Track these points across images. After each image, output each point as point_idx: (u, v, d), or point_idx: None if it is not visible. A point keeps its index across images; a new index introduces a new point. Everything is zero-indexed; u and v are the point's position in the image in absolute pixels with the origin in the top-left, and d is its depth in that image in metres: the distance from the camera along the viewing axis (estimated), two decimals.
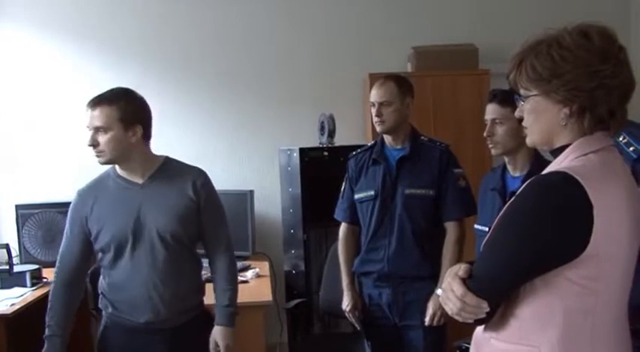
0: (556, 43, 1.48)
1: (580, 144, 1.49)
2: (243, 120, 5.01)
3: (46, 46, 4.87)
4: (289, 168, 4.41)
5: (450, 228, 3.11)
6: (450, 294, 1.49)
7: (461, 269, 1.49)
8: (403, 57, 4.86)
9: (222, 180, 4.82)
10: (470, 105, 4.62)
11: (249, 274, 4.04)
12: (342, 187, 3.36)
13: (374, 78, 4.54)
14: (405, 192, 3.09)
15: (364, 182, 3.21)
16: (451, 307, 1.49)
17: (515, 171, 2.75)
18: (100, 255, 2.66)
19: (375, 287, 3.16)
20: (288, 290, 4.48)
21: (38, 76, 4.86)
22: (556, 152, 1.53)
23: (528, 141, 1.59)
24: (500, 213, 1.50)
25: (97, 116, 2.54)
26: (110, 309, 2.66)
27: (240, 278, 3.94)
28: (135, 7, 4.91)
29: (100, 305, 2.73)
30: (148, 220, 2.57)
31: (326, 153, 4.28)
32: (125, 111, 2.55)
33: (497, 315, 1.50)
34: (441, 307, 2.96)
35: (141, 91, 4.79)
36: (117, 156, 2.57)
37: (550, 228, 1.39)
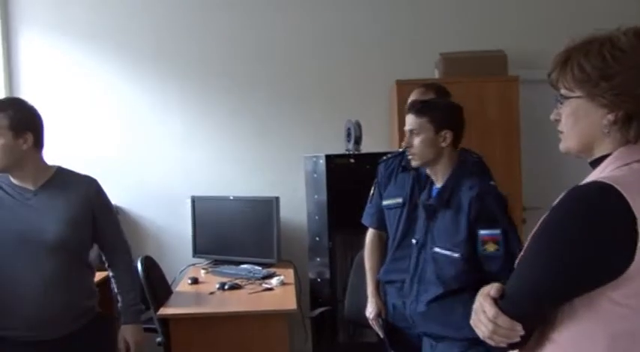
0: (609, 42, 1.36)
1: (622, 152, 1.36)
2: (269, 126, 5.00)
3: (67, 51, 4.92)
4: (315, 175, 4.39)
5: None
6: (481, 316, 1.39)
7: (493, 288, 1.39)
8: (431, 63, 4.82)
9: (248, 187, 4.86)
10: (498, 112, 4.56)
11: (273, 281, 4.02)
12: (371, 192, 3.31)
13: (401, 85, 4.53)
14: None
15: (393, 188, 3.16)
16: (483, 330, 1.38)
17: (438, 183, 2.69)
18: None
19: (399, 296, 3.10)
20: (313, 298, 4.45)
21: (58, 80, 4.92)
22: (595, 162, 1.40)
23: (562, 146, 1.47)
24: (535, 228, 1.39)
25: None
26: None
27: (264, 286, 3.97)
28: (156, 16, 4.95)
29: None
30: (38, 227, 2.54)
31: (352, 160, 4.25)
32: (13, 119, 2.51)
33: (533, 339, 1.39)
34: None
35: (163, 98, 4.87)
36: (8, 163, 2.55)
37: (589, 244, 1.26)
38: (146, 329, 3.22)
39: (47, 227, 2.55)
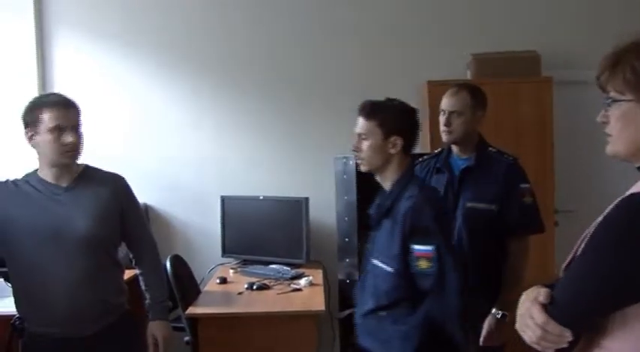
0: None
1: None
2: (299, 127, 5.00)
3: (101, 52, 4.97)
4: (345, 176, 4.37)
5: (512, 245, 2.98)
6: (529, 321, 1.36)
7: (541, 294, 1.37)
8: (462, 64, 4.77)
9: (278, 187, 4.86)
10: (532, 113, 4.49)
11: (302, 282, 4.01)
12: None
13: (432, 85, 4.48)
14: (466, 205, 2.97)
15: None
16: (530, 335, 1.36)
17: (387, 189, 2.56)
18: (8, 257, 2.63)
19: None
20: (342, 299, 4.42)
21: (93, 80, 4.97)
22: None
23: (610, 150, 1.43)
24: (589, 235, 1.37)
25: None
26: (28, 324, 2.62)
27: (293, 286, 3.96)
28: (188, 15, 4.97)
29: (16, 323, 2.68)
30: (68, 222, 2.56)
31: None
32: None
33: (581, 345, 1.38)
34: (497, 327, 2.87)
35: (196, 98, 4.89)
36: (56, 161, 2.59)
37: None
38: (174, 328, 3.23)
39: (77, 222, 2.57)
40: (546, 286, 1.40)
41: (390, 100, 2.57)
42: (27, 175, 2.67)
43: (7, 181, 2.66)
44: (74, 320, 2.57)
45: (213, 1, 4.98)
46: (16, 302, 2.68)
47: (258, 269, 4.47)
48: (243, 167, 4.99)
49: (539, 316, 1.34)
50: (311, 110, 4.98)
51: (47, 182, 2.62)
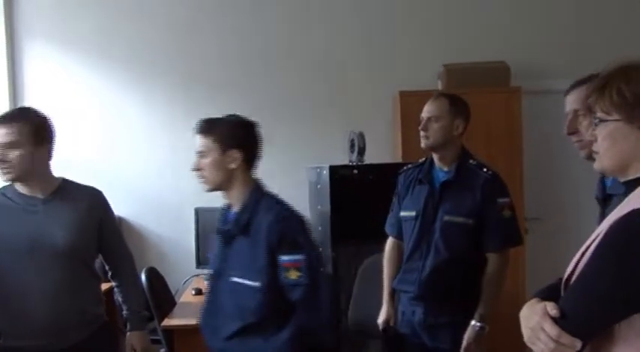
0: None
1: None
2: (272, 137, 4.98)
3: (74, 64, 4.97)
4: (319, 186, 4.39)
5: (491, 259, 2.97)
6: (540, 334, 1.42)
7: (549, 307, 1.43)
8: (434, 74, 4.84)
9: None
10: (501, 123, 4.58)
11: None
12: (392, 201, 3.29)
13: (404, 95, 4.54)
14: (444, 218, 2.98)
15: (409, 200, 3.14)
16: (542, 348, 1.42)
17: (235, 207, 2.49)
18: None
19: (410, 305, 3.09)
20: None
21: (65, 93, 4.96)
22: (631, 183, 1.48)
23: (597, 166, 1.54)
24: (594, 247, 1.43)
25: (8, 133, 2.52)
26: (4, 337, 2.58)
27: None
28: (160, 29, 4.99)
29: None
30: (47, 234, 2.56)
31: (356, 171, 4.25)
32: (37, 128, 2.57)
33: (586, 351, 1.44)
34: (476, 339, 2.91)
35: (168, 109, 4.88)
36: (27, 172, 2.57)
37: None
38: (150, 341, 3.23)
39: (56, 234, 2.57)
40: (544, 299, 1.46)
41: (228, 116, 2.56)
42: (4, 188, 2.66)
43: None
44: (53, 332, 2.56)
45: (185, 11, 5.00)
46: None
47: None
48: None
49: (552, 329, 1.40)
50: (285, 121, 5.00)
51: (23, 194, 2.62)
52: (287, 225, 2.36)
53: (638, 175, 1.47)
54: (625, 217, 1.39)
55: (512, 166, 4.56)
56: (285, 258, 2.31)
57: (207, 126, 2.49)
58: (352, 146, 4.42)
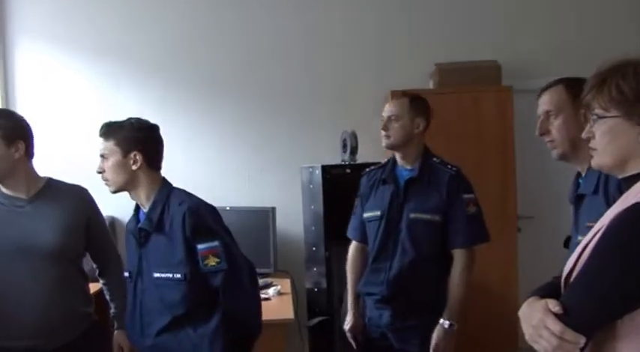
0: None
1: None
2: (264, 137, 5.02)
3: (66, 63, 4.95)
4: (311, 186, 4.40)
5: (457, 256, 2.98)
6: (543, 332, 1.41)
7: (551, 303, 1.43)
8: (425, 73, 4.85)
9: (244, 198, 4.87)
10: (493, 122, 4.59)
11: (270, 291, 4.03)
12: (355, 204, 3.30)
13: (395, 95, 4.55)
14: (410, 216, 2.99)
15: (373, 201, 3.15)
16: (545, 345, 1.41)
17: (144, 207, 2.54)
18: None
19: (376, 308, 3.09)
20: (310, 307, 4.45)
21: (57, 93, 4.94)
22: (630, 179, 1.48)
23: (595, 162, 1.54)
24: (594, 243, 1.43)
25: None
26: None
27: (262, 296, 3.95)
28: (154, 28, 4.98)
29: None
30: (35, 235, 2.57)
31: (348, 171, 4.27)
32: (6, 129, 2.57)
33: (589, 348, 1.43)
34: (445, 338, 2.91)
35: (162, 109, 4.87)
36: (2, 172, 2.59)
37: None
38: None
39: (43, 234, 2.57)
40: (543, 297, 1.46)
41: (128, 119, 2.60)
42: None
43: None
44: (44, 332, 2.56)
45: (177, 9, 4.99)
46: None
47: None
48: (210, 178, 4.99)
49: (555, 326, 1.39)
50: (277, 121, 5.01)
51: (8, 195, 2.62)
52: (198, 215, 2.45)
53: (636, 171, 1.47)
54: (627, 211, 1.39)
55: (504, 165, 4.58)
56: (201, 246, 2.41)
57: (109, 130, 2.54)
58: (345, 145, 4.43)
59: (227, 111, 5.01)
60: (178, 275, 2.42)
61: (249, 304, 2.50)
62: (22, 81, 4.93)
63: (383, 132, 3.06)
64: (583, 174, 2.19)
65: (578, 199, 2.18)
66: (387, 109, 3.09)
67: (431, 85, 4.79)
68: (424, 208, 2.98)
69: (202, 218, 2.45)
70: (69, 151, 4.80)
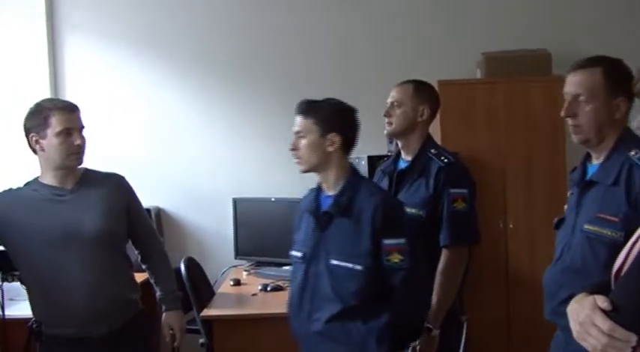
0: None
1: None
2: None
3: (111, 54, 5.01)
4: None
5: (443, 255, 2.76)
6: (591, 329, 1.35)
7: (600, 300, 1.35)
8: (473, 63, 4.76)
9: (290, 189, 4.84)
10: (543, 112, 4.47)
11: None
12: None
13: (442, 85, 4.47)
14: None
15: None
16: (593, 343, 1.34)
17: (329, 190, 2.49)
18: (20, 263, 2.67)
19: None
20: None
21: (103, 83, 5.00)
22: None
23: None
24: None
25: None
26: (46, 326, 2.63)
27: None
28: (196, 18, 5.01)
29: (33, 326, 2.66)
30: (79, 222, 2.59)
31: None
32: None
33: None
34: (427, 341, 2.63)
35: (206, 100, 4.87)
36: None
37: None
38: (189, 331, 3.27)
39: (88, 221, 2.61)
40: (593, 293, 1.39)
41: (328, 99, 2.55)
42: (28, 183, 2.71)
43: (10, 190, 2.70)
44: (94, 319, 2.60)
45: (223, 3, 5.01)
46: (32, 306, 2.70)
47: (271, 270, 4.47)
48: (256, 169, 5.00)
49: (605, 323, 1.33)
50: None
51: (51, 186, 2.65)
52: (392, 210, 2.41)
53: None
54: None
55: (555, 157, 4.46)
56: (388, 241, 2.35)
57: (309, 108, 2.49)
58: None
59: (272, 101, 5.00)
60: (359, 267, 2.36)
61: (420, 306, 2.47)
62: (71, 75, 4.99)
63: (385, 119, 2.96)
64: (597, 162, 2.11)
65: (586, 185, 2.11)
66: (391, 95, 2.98)
67: (478, 75, 4.69)
68: (411, 202, 2.78)
69: (395, 213, 2.42)
70: (116, 144, 4.86)
